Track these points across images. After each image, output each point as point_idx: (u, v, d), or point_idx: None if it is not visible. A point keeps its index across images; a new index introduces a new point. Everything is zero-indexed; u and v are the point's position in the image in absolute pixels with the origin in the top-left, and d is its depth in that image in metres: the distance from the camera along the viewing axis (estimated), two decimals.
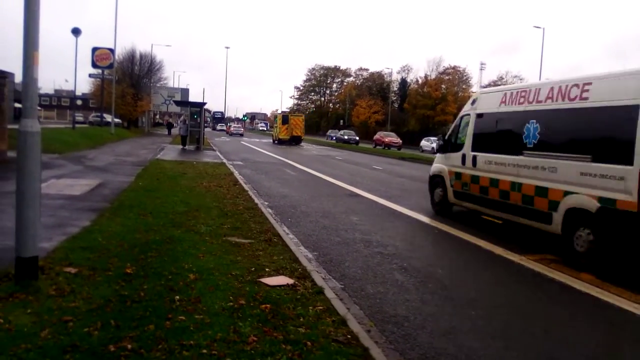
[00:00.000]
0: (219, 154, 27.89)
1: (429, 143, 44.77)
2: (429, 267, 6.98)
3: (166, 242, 6.83)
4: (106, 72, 42.71)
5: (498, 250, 8.10)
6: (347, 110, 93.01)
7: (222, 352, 3.77)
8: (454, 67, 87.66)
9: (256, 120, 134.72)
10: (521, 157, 8.76)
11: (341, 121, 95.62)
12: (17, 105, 45.61)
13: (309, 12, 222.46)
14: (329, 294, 5.36)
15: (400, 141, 51.08)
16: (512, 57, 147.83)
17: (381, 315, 5.12)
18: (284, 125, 49.07)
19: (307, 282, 5.67)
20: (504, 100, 9.73)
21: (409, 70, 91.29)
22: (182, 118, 35.60)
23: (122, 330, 4.00)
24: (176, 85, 74.60)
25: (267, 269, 6.02)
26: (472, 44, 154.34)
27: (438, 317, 5.13)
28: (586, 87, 7.72)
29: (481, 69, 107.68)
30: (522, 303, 5.78)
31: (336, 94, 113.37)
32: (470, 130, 10.56)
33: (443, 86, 69.68)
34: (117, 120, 46.74)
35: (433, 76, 70.29)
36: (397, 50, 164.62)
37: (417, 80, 73.51)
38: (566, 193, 7.68)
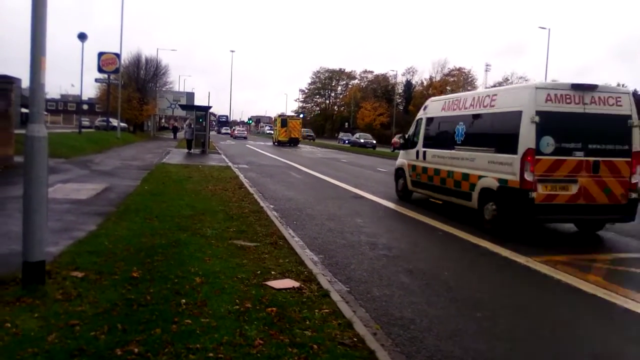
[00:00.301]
0: (224, 157, 27.96)
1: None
2: (434, 269, 6.96)
3: (172, 246, 6.85)
4: (112, 76, 42.95)
5: (505, 253, 8.07)
6: (352, 112, 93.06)
7: (229, 355, 3.77)
8: (459, 69, 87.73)
9: (261, 123, 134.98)
10: (453, 151, 11.23)
11: (346, 124, 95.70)
12: (24, 110, 45.94)
13: (314, 14, 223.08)
14: (335, 296, 5.35)
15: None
16: (518, 59, 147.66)
17: (387, 318, 5.11)
18: (282, 127, 52.42)
19: (313, 285, 5.67)
20: (444, 107, 12.28)
21: (413, 72, 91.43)
22: (187, 122, 35.75)
23: (129, 334, 4.01)
24: (181, 89, 74.96)
25: (273, 272, 6.03)
26: (477, 45, 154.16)
27: (444, 320, 5.11)
28: (494, 97, 10.26)
29: (486, 71, 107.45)
30: (529, 304, 5.75)
31: (341, 96, 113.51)
32: (421, 131, 13.06)
33: (448, 88, 69.68)
34: (123, 124, 46.93)
35: (438, 78, 70.39)
36: (402, 52, 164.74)
37: (422, 82, 73.61)
38: (480, 177, 10.04)
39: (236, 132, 79.18)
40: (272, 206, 11.55)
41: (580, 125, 9.05)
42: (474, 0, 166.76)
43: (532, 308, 5.63)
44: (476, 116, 10.74)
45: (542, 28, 52.42)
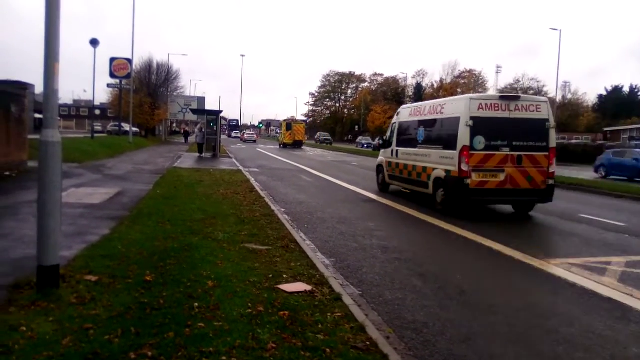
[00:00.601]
0: (235, 161, 28.05)
1: None
2: (446, 273, 6.92)
3: (185, 250, 6.88)
4: (124, 81, 43.27)
5: (518, 256, 8.01)
6: (362, 115, 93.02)
7: (242, 358, 3.78)
8: (470, 71, 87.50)
9: (272, 127, 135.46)
10: (416, 149, 13.81)
11: (356, 127, 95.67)
12: (37, 115, 46.47)
13: (324, 18, 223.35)
14: (347, 300, 5.34)
15: None
16: (530, 60, 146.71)
17: (400, 321, 5.09)
18: (287, 131, 57.67)
19: (325, 289, 5.66)
20: (411, 113, 14.90)
21: (424, 75, 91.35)
22: (198, 126, 35.89)
23: (142, 337, 4.03)
24: (192, 94, 75.33)
25: (284, 276, 6.03)
26: (488, 47, 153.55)
27: (457, 323, 5.07)
28: (443, 105, 12.87)
29: (497, 72, 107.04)
30: (543, 307, 5.69)
31: (351, 99, 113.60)
32: (395, 133, 15.56)
33: (459, 90, 69.40)
34: (135, 129, 47.28)
35: (449, 80, 70.07)
36: (412, 54, 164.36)
37: (433, 85, 73.43)
38: (434, 169, 12.54)
39: (246, 135, 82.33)
40: (283, 210, 11.56)
41: (506, 127, 11.42)
42: (485, 2, 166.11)
43: (547, 311, 5.57)
44: (431, 121, 13.33)
45: (554, 29, 52.03)
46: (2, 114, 14.79)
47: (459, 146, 11.33)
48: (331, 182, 19.04)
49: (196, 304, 4.82)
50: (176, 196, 12.11)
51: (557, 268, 7.31)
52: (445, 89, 66.60)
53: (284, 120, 63.60)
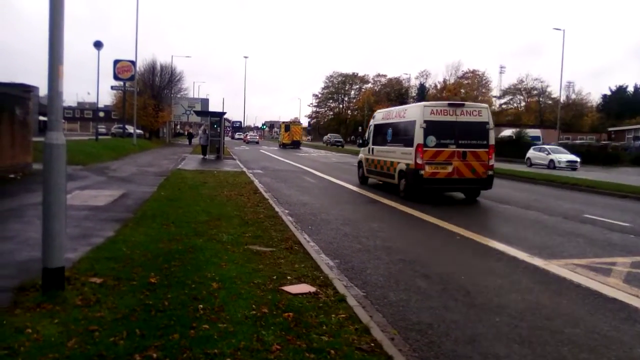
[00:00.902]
0: (238, 162, 28.10)
1: (543, 154, 35.07)
2: (451, 274, 6.90)
3: (189, 252, 6.89)
4: (128, 84, 43.39)
5: (522, 256, 7.99)
6: (366, 116, 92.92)
7: None
8: (473, 71, 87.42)
9: (275, 128, 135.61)
10: (386, 147, 16.39)
11: (360, 128, 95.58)
12: (42, 118, 46.65)
13: (328, 19, 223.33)
14: (351, 301, 5.34)
15: None
16: (534, 60, 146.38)
17: (404, 322, 5.08)
18: (286, 132, 62.37)
19: (329, 290, 5.66)
20: (383, 117, 17.63)
21: (427, 76, 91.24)
22: (202, 128, 35.95)
23: (147, 339, 4.04)
24: (196, 96, 75.59)
25: (288, 277, 6.03)
26: (492, 47, 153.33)
27: (462, 324, 5.07)
28: (405, 110, 15.78)
29: (501, 73, 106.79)
30: (548, 308, 5.67)
31: (354, 100, 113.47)
32: (371, 133, 18.16)
33: (462, 90, 69.29)
34: (139, 131, 47.41)
35: (452, 81, 69.91)
36: (416, 55, 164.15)
37: (436, 85, 73.26)
38: (398, 163, 15.05)
39: (248, 137, 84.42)
40: (287, 211, 11.57)
41: (453, 128, 13.95)
42: (489, 2, 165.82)
43: (552, 312, 5.55)
44: (397, 123, 15.99)
45: (557, 29, 51.83)
46: (6, 116, 14.85)
47: (415, 144, 13.94)
48: (335, 184, 19.04)
49: (201, 306, 4.82)
50: (180, 198, 12.14)
51: (561, 268, 7.29)
52: (449, 90, 66.46)
53: (283, 123, 70.04)
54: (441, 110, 14.11)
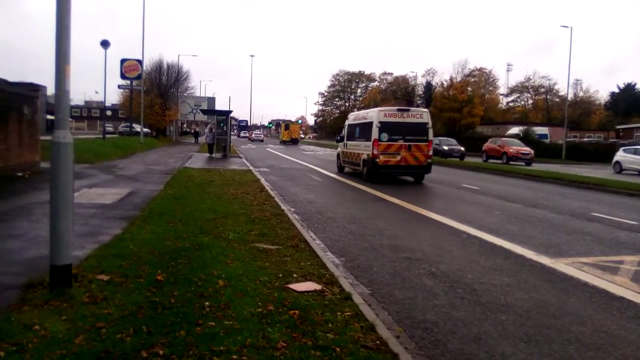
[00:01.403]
0: (245, 161, 28.14)
1: (636, 157, 28.52)
2: (457, 272, 6.89)
3: (195, 249, 6.92)
4: (135, 82, 43.54)
5: (530, 254, 7.96)
6: None
7: (252, 357, 3.79)
8: (480, 69, 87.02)
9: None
10: (354, 142, 20.69)
11: None
12: (49, 117, 46.92)
13: (334, 18, 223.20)
14: (357, 299, 5.34)
15: (532, 152, 34.92)
16: (543, 58, 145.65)
17: (410, 320, 5.08)
18: (286, 130, 72.76)
19: (335, 288, 5.67)
20: (354, 118, 22.32)
21: (433, 74, 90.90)
22: (208, 127, 36.03)
23: (154, 336, 4.06)
24: (203, 94, 75.66)
25: (294, 275, 6.04)
26: (499, 45, 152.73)
27: (468, 323, 5.06)
28: (367, 114, 20.15)
29: (508, 70, 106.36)
30: (555, 307, 5.65)
31: (361, 99, 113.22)
32: (345, 132, 22.56)
33: (469, 88, 68.88)
34: (146, 129, 47.61)
35: (458, 79, 69.53)
36: (422, 53, 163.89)
37: (443, 84, 72.85)
38: (362, 154, 19.28)
39: (254, 135, 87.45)
40: (293, 209, 11.58)
41: (401, 127, 18.32)
42: (496, 0, 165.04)
43: (558, 310, 5.53)
44: (361, 124, 20.39)
45: (565, 27, 51.25)
46: (14, 115, 14.95)
47: (372, 139, 18.28)
48: (341, 182, 19.04)
49: (207, 303, 4.84)
50: (187, 196, 12.18)
51: (568, 267, 7.26)
52: (455, 87, 65.85)
53: (284, 122, 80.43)
54: (392, 114, 18.67)
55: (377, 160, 18.15)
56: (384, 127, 18.22)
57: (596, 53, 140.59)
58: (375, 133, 18.21)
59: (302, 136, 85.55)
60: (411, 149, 18.30)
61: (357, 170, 20.55)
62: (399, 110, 19.19)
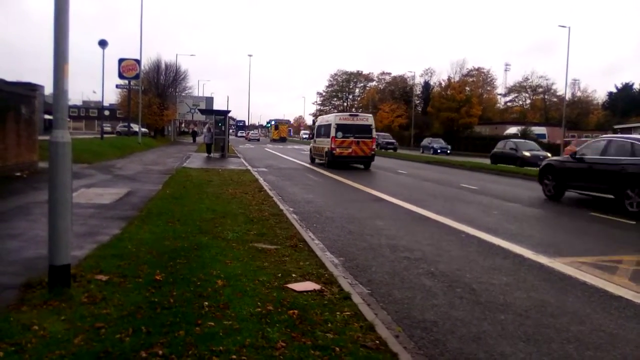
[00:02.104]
0: (243, 160, 28.12)
1: None
2: (456, 272, 6.90)
3: (194, 249, 6.91)
4: (132, 82, 43.50)
5: (528, 254, 7.97)
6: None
7: (252, 357, 3.79)
8: (478, 69, 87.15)
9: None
10: (320, 139, 27.00)
11: None
12: (47, 117, 46.79)
13: (333, 17, 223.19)
14: (356, 299, 5.34)
15: None
16: (540, 58, 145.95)
17: (409, 320, 5.08)
18: (275, 130, 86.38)
19: (334, 288, 5.67)
20: (319, 121, 29.49)
21: (432, 74, 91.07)
22: (207, 126, 36.01)
23: (153, 336, 4.05)
24: (201, 94, 75.65)
25: (293, 275, 6.04)
26: (497, 45, 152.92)
27: (467, 322, 5.06)
28: (329, 117, 27.25)
29: (506, 70, 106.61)
30: (553, 306, 5.65)
31: (359, 98, 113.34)
32: (315, 131, 29.19)
33: (467, 88, 68.95)
34: (144, 129, 47.48)
35: (456, 78, 69.60)
36: (420, 53, 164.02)
37: (441, 83, 72.93)
38: (324, 148, 25.71)
39: (250, 135, 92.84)
40: (291, 209, 11.57)
41: (352, 128, 24.29)
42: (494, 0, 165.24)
43: (557, 309, 5.54)
44: (325, 125, 26.29)
45: (562, 27, 51.22)
46: (12, 115, 14.92)
47: (331, 136, 24.56)
48: (339, 182, 19.04)
49: (206, 303, 4.84)
50: (185, 196, 12.17)
51: (567, 266, 7.27)
52: (453, 87, 65.91)
53: (273, 122, 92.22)
54: (345, 118, 25.52)
55: (334, 152, 24.58)
56: (339, 127, 24.52)
57: (594, 53, 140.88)
58: (333, 132, 24.54)
59: (291, 135, 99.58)
60: (359, 144, 24.61)
61: (322, 161, 26.77)
62: (350, 115, 26.60)
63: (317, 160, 28.36)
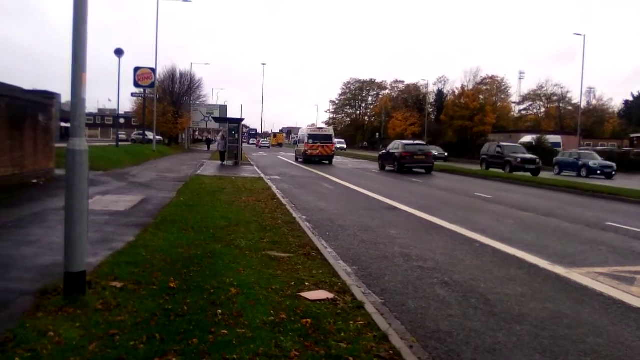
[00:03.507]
0: (256, 168, 28.21)
1: None
2: (470, 282, 6.83)
3: (207, 257, 6.93)
4: (148, 90, 43.91)
5: (543, 264, 7.88)
6: (383, 123, 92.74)
7: None
8: (492, 77, 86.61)
9: (292, 134, 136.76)
10: (301, 145, 41.07)
11: (377, 134, 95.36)
12: (63, 124, 47.39)
13: (348, 27, 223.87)
14: (370, 308, 5.31)
15: None
16: (555, 65, 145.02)
17: (423, 330, 5.04)
18: (274, 138, 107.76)
19: (347, 297, 5.64)
20: (300, 132, 46.22)
21: (445, 82, 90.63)
22: (220, 134, 36.29)
23: (167, 343, 4.06)
24: (215, 102, 76.11)
25: (306, 283, 6.02)
26: (512, 53, 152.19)
27: (482, 333, 5.01)
28: (304, 129, 43.62)
29: (520, 78, 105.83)
30: (569, 317, 5.57)
31: (372, 107, 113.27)
32: (298, 139, 44.51)
33: (481, 96, 68.60)
34: (158, 137, 47.94)
35: (470, 87, 69.29)
36: (434, 62, 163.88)
37: (454, 92, 72.53)
38: (302, 150, 38.97)
39: (261, 142, 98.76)
40: (304, 217, 11.57)
41: (319, 137, 38.13)
42: (508, 8, 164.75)
43: (573, 321, 5.46)
44: (302, 135, 41.29)
45: (578, 34, 50.81)
46: (30, 123, 15.14)
47: (304, 142, 37.78)
48: (352, 190, 19.01)
49: (219, 311, 4.84)
50: (199, 203, 12.22)
51: (583, 277, 7.17)
52: (467, 95, 65.64)
53: (272, 132, 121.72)
54: (314, 129, 39.66)
55: (307, 152, 37.43)
56: (310, 136, 37.82)
57: (611, 61, 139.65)
58: (306, 139, 37.75)
59: (287, 141, 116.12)
60: (324, 147, 37.49)
61: (301, 159, 39.16)
62: (318, 127, 42.99)
63: (298, 159, 40.42)
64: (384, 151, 33.91)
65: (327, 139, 38.03)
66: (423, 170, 30.03)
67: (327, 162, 37.74)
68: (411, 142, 34.51)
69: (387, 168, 31.70)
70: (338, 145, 60.24)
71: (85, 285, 5.12)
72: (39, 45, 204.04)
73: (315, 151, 37.16)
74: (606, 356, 4.57)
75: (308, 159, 37.27)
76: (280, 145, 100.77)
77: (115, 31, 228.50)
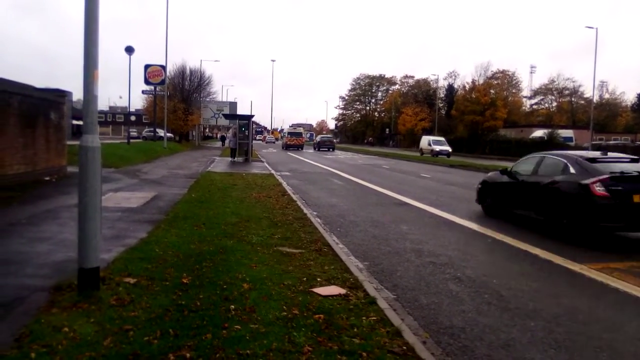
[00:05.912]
0: (266, 165, 28.25)
1: None
2: (483, 277, 6.79)
3: (220, 253, 6.95)
4: (158, 88, 44.08)
5: (558, 260, 7.81)
6: (393, 118, 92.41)
7: None
8: (503, 72, 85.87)
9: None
10: (285, 138, 68.46)
11: (387, 130, 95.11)
12: (75, 122, 47.76)
13: (357, 23, 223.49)
14: (382, 304, 5.30)
15: None
16: (567, 59, 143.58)
17: (436, 326, 5.02)
18: (272, 134, 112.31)
19: (359, 292, 5.63)
20: (284, 130, 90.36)
21: (455, 76, 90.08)
22: (231, 131, 36.32)
23: (181, 339, 4.08)
24: (225, 99, 76.34)
25: (318, 279, 6.02)
26: (523, 47, 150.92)
27: (495, 329, 4.97)
28: (286, 129, 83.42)
29: (531, 73, 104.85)
30: (584, 313, 5.52)
31: (381, 102, 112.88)
32: (284, 134, 79.53)
33: (492, 91, 68.03)
34: (169, 134, 48.11)
35: (481, 81, 68.72)
36: (444, 57, 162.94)
37: (465, 86, 71.95)
38: (286, 142, 64.29)
39: (267, 138, 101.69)
40: (315, 213, 11.57)
41: (294, 133, 64.64)
42: (519, 2, 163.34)
43: (588, 317, 5.41)
44: (285, 132, 78.27)
45: (590, 27, 50.23)
46: (42, 120, 15.26)
47: (285, 136, 67.36)
48: (362, 185, 18.97)
49: (232, 306, 4.85)
50: (210, 200, 12.27)
51: (598, 272, 7.10)
52: (478, 90, 65.01)
53: (273, 129, 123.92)
54: (292, 129, 70.03)
55: (287, 143, 60.68)
56: (289, 133, 64.36)
57: (624, 55, 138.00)
58: (286, 134, 65.33)
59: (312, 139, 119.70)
60: (297, 140, 60.68)
61: (284, 147, 59.59)
62: (293, 125, 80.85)
63: (283, 147, 60.83)
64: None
65: (299, 135, 63.44)
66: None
67: (299, 149, 58.41)
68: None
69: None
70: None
71: (99, 281, 5.16)
72: (51, 43, 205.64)
73: (291, 142, 60.02)
74: (623, 352, 4.52)
75: (287, 147, 60.03)
76: (276, 139, 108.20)
77: (126, 28, 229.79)
